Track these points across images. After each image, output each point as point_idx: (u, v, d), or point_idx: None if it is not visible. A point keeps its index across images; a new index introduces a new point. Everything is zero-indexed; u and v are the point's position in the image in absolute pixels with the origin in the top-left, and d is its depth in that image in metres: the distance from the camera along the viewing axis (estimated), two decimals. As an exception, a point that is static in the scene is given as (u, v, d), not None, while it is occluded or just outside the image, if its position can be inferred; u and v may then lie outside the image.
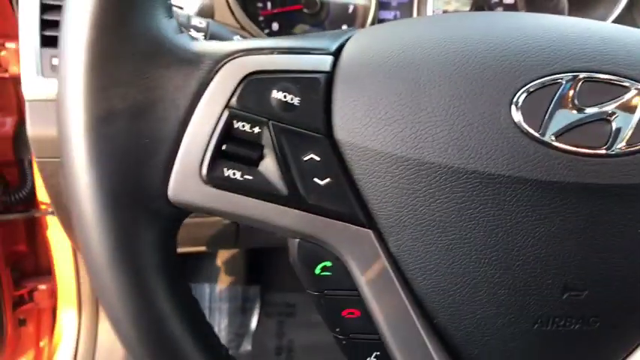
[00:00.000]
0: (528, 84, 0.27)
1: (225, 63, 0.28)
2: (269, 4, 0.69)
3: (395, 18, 0.71)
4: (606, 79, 0.28)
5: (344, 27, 0.71)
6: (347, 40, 0.32)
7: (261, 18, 0.69)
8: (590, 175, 0.27)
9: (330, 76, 0.29)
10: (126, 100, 0.26)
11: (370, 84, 0.29)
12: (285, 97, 0.28)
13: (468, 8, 0.71)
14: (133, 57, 0.27)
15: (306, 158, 0.28)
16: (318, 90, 0.29)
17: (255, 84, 0.28)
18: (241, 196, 0.28)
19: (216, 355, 0.31)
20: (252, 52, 0.29)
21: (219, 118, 0.28)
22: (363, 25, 0.69)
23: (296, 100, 0.28)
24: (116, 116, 0.26)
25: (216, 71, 0.28)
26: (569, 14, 0.68)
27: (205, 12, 0.59)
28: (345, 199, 0.29)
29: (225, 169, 0.28)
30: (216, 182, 0.28)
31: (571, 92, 0.27)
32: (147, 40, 0.27)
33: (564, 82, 0.27)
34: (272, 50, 0.29)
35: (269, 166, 0.28)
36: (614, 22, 0.68)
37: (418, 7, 0.70)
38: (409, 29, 0.32)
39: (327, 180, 0.28)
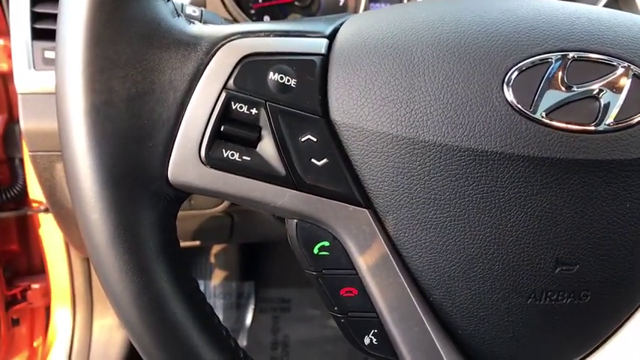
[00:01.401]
0: (519, 63, 0.28)
1: (222, 45, 0.29)
2: (260, -3, 0.69)
3: (385, 10, 0.72)
4: (594, 58, 0.28)
5: (335, 19, 0.71)
6: (342, 24, 0.32)
7: (252, 11, 0.69)
8: (580, 151, 0.28)
9: (326, 58, 0.30)
10: (125, 82, 0.27)
11: (365, 65, 0.29)
12: (281, 78, 0.29)
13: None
14: (131, 40, 0.27)
15: (303, 139, 0.29)
16: (314, 72, 0.29)
17: (252, 66, 0.29)
18: (240, 177, 0.29)
19: (216, 334, 0.31)
20: (249, 35, 0.29)
21: (216, 100, 0.28)
22: (354, 17, 0.70)
23: (292, 82, 0.29)
24: (115, 98, 0.27)
25: (214, 53, 0.29)
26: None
27: (197, 4, 0.59)
28: (341, 179, 0.29)
29: (223, 151, 0.28)
30: (214, 163, 0.28)
31: (560, 71, 0.28)
32: (144, 23, 0.27)
33: (554, 61, 0.28)
34: (268, 33, 0.30)
35: (267, 147, 0.29)
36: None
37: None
38: (403, 12, 0.32)
39: (324, 160, 0.29)
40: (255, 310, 1.24)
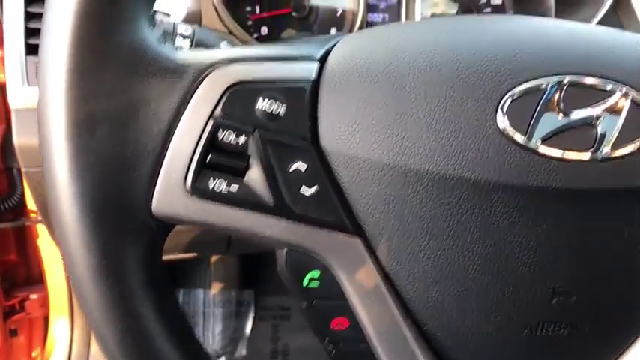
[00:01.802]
0: (513, 88, 0.27)
1: (208, 73, 0.28)
2: (257, 8, 0.68)
3: (383, 21, 0.71)
4: (591, 82, 0.28)
5: (333, 30, 0.70)
6: (333, 46, 0.32)
7: (249, 22, 0.69)
8: (577, 180, 0.27)
9: (316, 83, 0.29)
10: (107, 111, 0.26)
11: (356, 91, 0.29)
12: (269, 106, 0.28)
13: (455, 10, 0.71)
14: (115, 67, 0.26)
15: (292, 168, 0.28)
16: (304, 98, 0.29)
17: (239, 94, 0.28)
18: (227, 208, 0.28)
19: None
20: (236, 61, 0.29)
21: (203, 129, 0.28)
22: (351, 29, 0.69)
23: (281, 109, 0.28)
24: (98, 128, 0.26)
25: (200, 81, 0.28)
26: (556, 14, 0.68)
27: (193, 18, 0.59)
28: (332, 207, 0.29)
29: (210, 181, 0.28)
30: (201, 194, 0.28)
31: (556, 96, 0.27)
32: (129, 50, 0.26)
33: (549, 87, 0.27)
34: (256, 59, 0.29)
35: (255, 176, 0.28)
36: (599, 22, 0.68)
37: (407, 10, 0.70)
38: (395, 34, 0.31)
39: (314, 189, 0.28)
40: (254, 318, 1.24)
